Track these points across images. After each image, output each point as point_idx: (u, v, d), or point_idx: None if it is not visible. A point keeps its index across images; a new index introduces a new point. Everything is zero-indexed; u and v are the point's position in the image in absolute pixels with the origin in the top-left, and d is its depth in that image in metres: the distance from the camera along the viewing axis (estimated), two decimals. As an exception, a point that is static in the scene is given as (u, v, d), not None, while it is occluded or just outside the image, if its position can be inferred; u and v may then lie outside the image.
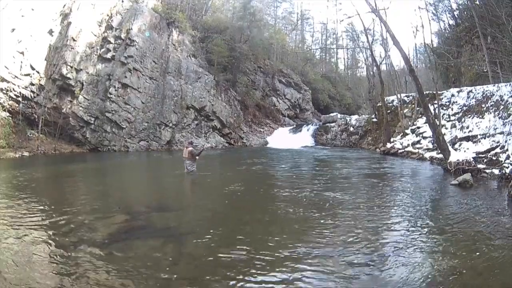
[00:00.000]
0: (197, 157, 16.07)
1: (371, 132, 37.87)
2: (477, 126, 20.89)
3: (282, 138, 42.71)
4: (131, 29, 34.14)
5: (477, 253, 6.03)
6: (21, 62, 29.42)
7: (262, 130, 47.07)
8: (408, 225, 7.88)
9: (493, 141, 17.89)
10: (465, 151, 18.30)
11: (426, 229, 7.63)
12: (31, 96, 30.16)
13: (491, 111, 20.97)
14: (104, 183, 16.00)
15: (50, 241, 6.69)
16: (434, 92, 27.31)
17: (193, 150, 16.22)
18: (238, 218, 8.70)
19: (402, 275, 5.15)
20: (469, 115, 23.05)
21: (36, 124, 30.20)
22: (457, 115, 24.73)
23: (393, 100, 36.00)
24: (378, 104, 36.90)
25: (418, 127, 27.93)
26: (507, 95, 20.22)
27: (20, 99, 29.62)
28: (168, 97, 35.77)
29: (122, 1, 35.60)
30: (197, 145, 24.44)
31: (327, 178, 15.67)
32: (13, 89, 29.31)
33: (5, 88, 28.94)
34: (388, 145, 28.88)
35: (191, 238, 7.19)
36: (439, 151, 18.78)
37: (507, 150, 16.03)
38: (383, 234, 7.24)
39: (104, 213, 8.99)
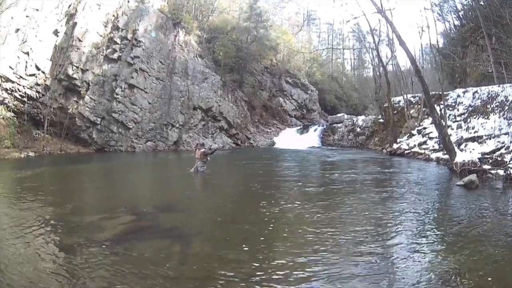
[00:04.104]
0: (208, 158, 16.42)
1: (378, 132, 37.83)
2: (482, 126, 20.84)
3: (289, 139, 42.85)
4: (137, 29, 34.32)
5: (481, 254, 6.04)
6: (26, 62, 29.58)
7: (269, 130, 47.18)
8: (413, 225, 7.89)
9: (498, 141, 17.84)
10: (470, 151, 18.24)
11: (431, 230, 7.65)
12: (36, 96, 30.32)
13: (496, 111, 20.94)
14: (110, 183, 16.12)
15: (55, 241, 6.74)
16: (440, 93, 27.26)
17: (205, 150, 16.79)
18: (245, 218, 8.71)
19: (405, 275, 5.18)
20: (475, 116, 22.99)
21: (42, 124, 30.33)
22: (462, 116, 24.66)
23: (399, 101, 35.99)
24: (384, 105, 36.82)
25: (425, 128, 27.89)
26: (512, 95, 20.25)
27: (25, 99, 29.82)
28: (175, 98, 35.91)
29: (128, 2, 35.79)
30: (206, 145, 24.74)
31: (335, 178, 15.66)
32: (18, 89, 29.49)
33: (10, 88, 29.11)
34: (395, 146, 28.87)
35: (198, 239, 7.25)
36: (445, 152, 18.72)
37: (511, 151, 16.00)
38: (387, 234, 7.26)
39: (110, 213, 9.03)
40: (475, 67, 33.32)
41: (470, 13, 36.22)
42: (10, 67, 28.72)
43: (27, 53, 29.61)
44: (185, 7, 42.59)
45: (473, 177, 12.93)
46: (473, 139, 20.13)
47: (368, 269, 5.47)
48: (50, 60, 31.27)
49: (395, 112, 34.15)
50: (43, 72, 30.58)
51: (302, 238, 6.99)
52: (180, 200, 11.58)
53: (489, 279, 5.07)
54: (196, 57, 40.26)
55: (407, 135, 29.96)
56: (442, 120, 19.24)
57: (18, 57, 29.17)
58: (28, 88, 29.90)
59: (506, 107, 20.12)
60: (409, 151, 25.88)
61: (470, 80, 34.03)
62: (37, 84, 30.32)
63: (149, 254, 6.14)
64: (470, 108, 24.70)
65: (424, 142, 25.98)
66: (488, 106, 22.32)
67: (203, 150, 16.54)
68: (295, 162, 24.26)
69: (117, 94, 32.26)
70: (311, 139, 43.17)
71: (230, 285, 4.98)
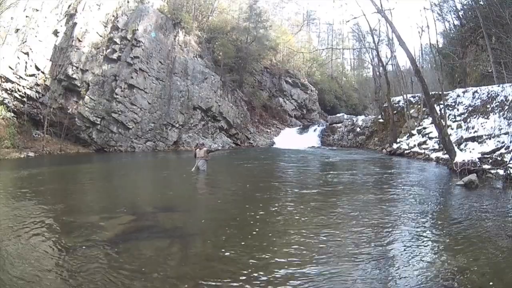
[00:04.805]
0: (208, 158, 16.55)
1: (378, 132, 37.88)
2: (482, 126, 20.85)
3: (288, 139, 42.89)
4: (137, 29, 34.32)
5: (482, 254, 6.03)
6: (26, 62, 29.64)
7: (269, 130, 47.18)
8: (413, 226, 7.88)
9: (498, 141, 17.83)
10: (470, 151, 18.22)
11: (431, 230, 7.65)
12: (36, 96, 30.36)
13: (496, 111, 20.96)
14: (110, 183, 16.06)
15: (55, 241, 6.70)
16: (440, 93, 27.22)
17: (208, 149, 17.49)
18: (246, 218, 8.67)
19: (405, 275, 5.18)
20: (475, 116, 23.01)
21: (42, 124, 30.34)
22: (462, 116, 24.69)
23: (399, 101, 36.02)
24: (384, 105, 36.88)
25: (424, 128, 27.92)
26: None
27: (25, 99, 29.86)
28: (174, 98, 35.91)
29: (128, 2, 35.84)
30: (206, 145, 24.96)
31: (335, 179, 15.65)
32: (18, 90, 29.54)
33: (10, 89, 29.14)
34: (395, 146, 28.90)
35: (198, 239, 7.25)
36: (445, 152, 18.73)
37: (511, 150, 15.99)
38: (387, 234, 7.26)
39: (110, 213, 9.02)
40: (475, 67, 33.37)
41: (470, 13, 36.21)
42: (10, 67, 28.76)
43: (27, 53, 29.64)
44: (184, 7, 42.62)
45: (473, 177, 12.93)
46: (473, 139, 20.11)
47: (367, 269, 5.47)
48: (50, 60, 31.30)
49: (395, 112, 34.18)
50: (43, 72, 30.62)
51: (303, 239, 6.96)
52: (180, 199, 11.58)
53: (489, 279, 5.06)
54: (195, 57, 40.31)
55: (407, 135, 29.98)
56: (442, 120, 19.23)
57: (18, 57, 29.21)
58: (28, 88, 29.94)
59: (506, 107, 20.13)
60: (409, 151, 25.89)
61: (470, 80, 34.08)
62: (37, 84, 30.36)
63: (150, 254, 6.13)
64: (470, 108, 24.75)
65: (424, 142, 25.98)
66: (488, 106, 22.35)
67: (205, 148, 16.90)
68: (295, 162, 24.24)
69: (116, 94, 32.25)
70: (311, 139, 43.26)
71: (230, 285, 4.98)
